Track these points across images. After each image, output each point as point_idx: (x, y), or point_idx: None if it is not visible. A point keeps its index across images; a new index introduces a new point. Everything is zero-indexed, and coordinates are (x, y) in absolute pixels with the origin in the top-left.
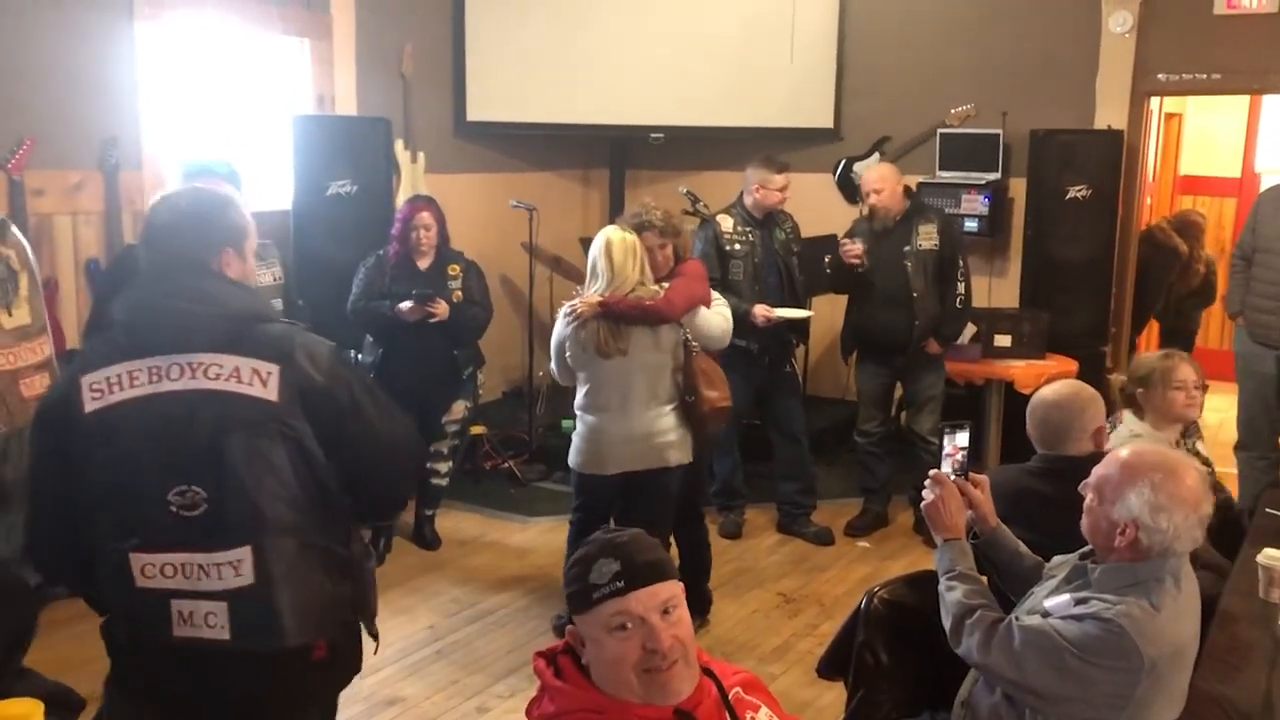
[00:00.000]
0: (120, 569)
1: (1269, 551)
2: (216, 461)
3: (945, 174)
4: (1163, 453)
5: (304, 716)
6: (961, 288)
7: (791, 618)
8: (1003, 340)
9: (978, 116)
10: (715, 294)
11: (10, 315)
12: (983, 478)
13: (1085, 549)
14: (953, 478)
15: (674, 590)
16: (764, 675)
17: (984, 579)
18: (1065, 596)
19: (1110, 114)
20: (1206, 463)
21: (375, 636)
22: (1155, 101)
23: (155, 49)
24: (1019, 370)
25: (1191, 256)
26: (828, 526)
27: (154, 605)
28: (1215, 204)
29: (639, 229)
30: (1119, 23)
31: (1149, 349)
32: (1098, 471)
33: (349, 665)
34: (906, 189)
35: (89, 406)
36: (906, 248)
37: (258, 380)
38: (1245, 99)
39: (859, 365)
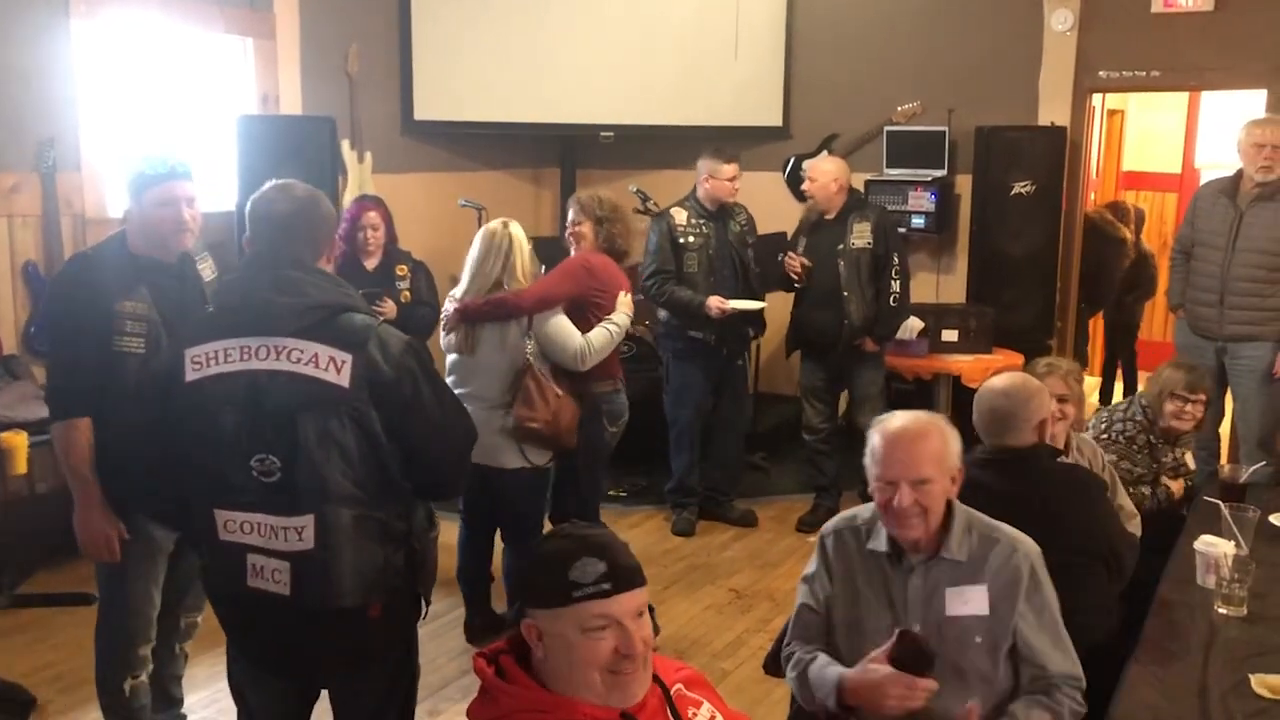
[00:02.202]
0: (207, 521)
1: (1205, 538)
2: (291, 436)
3: (892, 171)
4: None
5: (363, 672)
6: (896, 285)
7: (744, 613)
8: (949, 335)
9: (924, 114)
10: (622, 306)
11: None
12: None
13: None
14: None
15: (646, 595)
16: (716, 671)
17: None
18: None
19: (1053, 111)
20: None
21: (428, 602)
22: (1097, 98)
23: (93, 48)
24: (966, 365)
25: (1131, 243)
26: (751, 510)
27: (233, 556)
28: (1157, 199)
29: (568, 205)
30: (1060, 21)
31: (1096, 340)
32: None
33: (403, 627)
34: (850, 188)
35: (190, 376)
36: (840, 246)
37: (333, 367)
38: (1185, 96)
39: (801, 363)
